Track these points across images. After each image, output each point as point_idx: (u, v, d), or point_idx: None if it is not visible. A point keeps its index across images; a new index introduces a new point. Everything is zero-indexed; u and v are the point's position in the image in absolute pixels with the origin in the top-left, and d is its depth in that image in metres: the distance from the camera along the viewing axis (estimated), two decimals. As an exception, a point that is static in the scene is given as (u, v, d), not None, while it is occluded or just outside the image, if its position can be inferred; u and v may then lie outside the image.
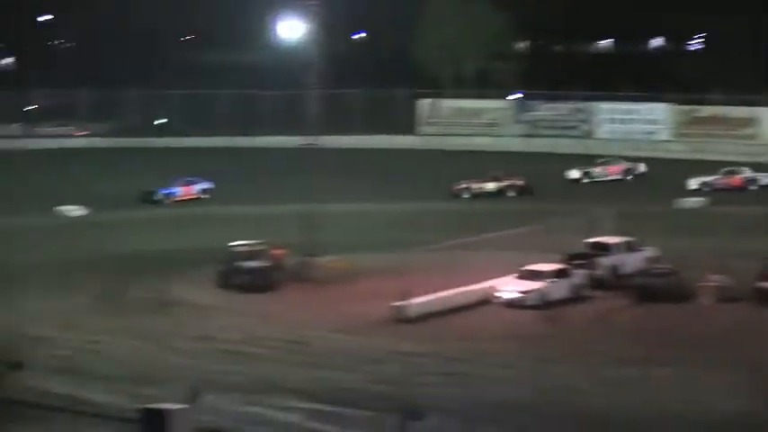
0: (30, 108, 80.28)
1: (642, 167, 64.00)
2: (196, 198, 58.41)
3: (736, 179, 59.72)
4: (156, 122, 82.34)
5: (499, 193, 58.71)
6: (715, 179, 59.41)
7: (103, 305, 37.74)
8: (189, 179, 59.32)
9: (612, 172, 63.83)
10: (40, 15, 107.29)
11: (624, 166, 64.34)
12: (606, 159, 65.30)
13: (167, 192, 58.30)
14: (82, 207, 54.92)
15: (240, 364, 30.88)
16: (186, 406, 16.04)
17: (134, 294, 39.16)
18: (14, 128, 79.54)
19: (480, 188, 58.93)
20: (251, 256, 40.66)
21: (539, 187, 58.83)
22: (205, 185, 59.18)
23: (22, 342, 30.41)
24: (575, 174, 63.53)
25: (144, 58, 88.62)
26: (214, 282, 40.31)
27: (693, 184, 59.12)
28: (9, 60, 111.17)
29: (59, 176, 64.56)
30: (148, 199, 57.52)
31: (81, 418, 18.59)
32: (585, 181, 62.89)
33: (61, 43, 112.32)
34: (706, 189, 58.48)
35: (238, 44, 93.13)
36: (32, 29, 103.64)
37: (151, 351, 32.30)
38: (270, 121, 76.91)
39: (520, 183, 59.32)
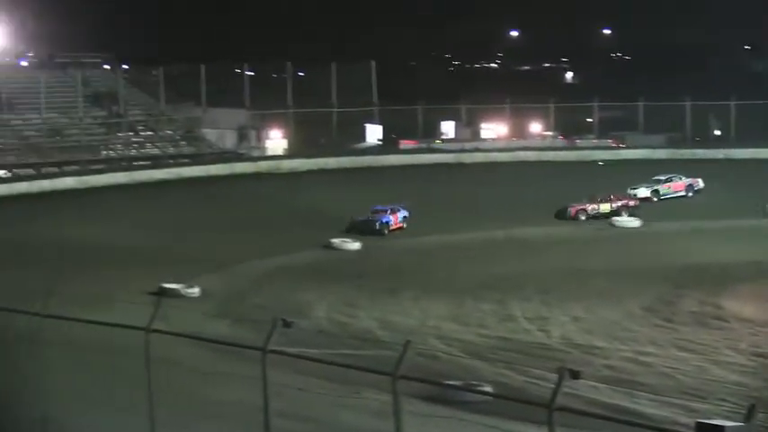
0: (589, 120, 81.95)
1: (701, 183, 62.37)
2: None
3: None
4: (712, 132, 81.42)
5: None
6: None
7: (654, 316, 37.88)
8: None
9: (677, 188, 62.23)
10: (600, 29, 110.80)
11: (687, 182, 62.62)
12: (668, 177, 62.78)
13: None
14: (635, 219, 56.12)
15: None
16: (743, 424, 15.62)
17: (685, 306, 38.98)
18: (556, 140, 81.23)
19: None
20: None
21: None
22: None
23: (577, 352, 31.35)
24: (643, 192, 60.97)
25: (696, 69, 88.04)
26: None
27: None
28: (570, 74, 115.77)
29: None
30: None
31: (630, 429, 18.74)
32: (655, 199, 60.99)
33: (619, 57, 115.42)
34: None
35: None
36: (593, 43, 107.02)
37: (700, 365, 31.94)
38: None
39: None
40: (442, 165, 69.92)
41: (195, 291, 39.97)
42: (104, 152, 70.07)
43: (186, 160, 69.40)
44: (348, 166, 69.44)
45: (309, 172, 67.39)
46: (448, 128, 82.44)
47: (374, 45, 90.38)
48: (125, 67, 77.73)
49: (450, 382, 23.88)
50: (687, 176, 62.97)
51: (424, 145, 75.85)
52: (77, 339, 29.02)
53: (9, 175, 64.55)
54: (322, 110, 73.05)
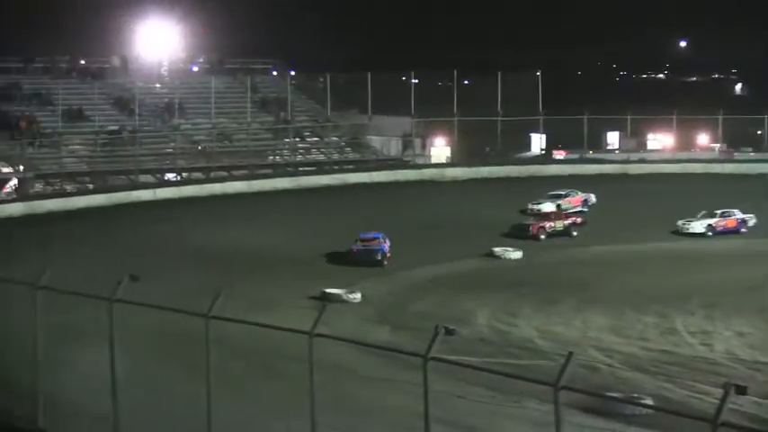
0: (759, 132, 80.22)
1: (593, 198, 59.20)
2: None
3: None
4: None
5: None
6: None
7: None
8: None
9: (575, 203, 58.54)
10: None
11: (583, 196, 58.94)
12: (567, 191, 59.08)
13: None
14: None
15: None
16: None
17: None
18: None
19: None
20: None
21: None
22: None
23: (741, 367, 30.83)
24: (548, 207, 57.03)
25: None
26: None
27: None
28: (739, 86, 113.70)
29: None
30: None
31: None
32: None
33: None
34: None
35: None
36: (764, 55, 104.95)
37: None
38: None
39: None
40: (606, 175, 69.27)
41: (357, 296, 40.45)
42: (271, 157, 71.39)
43: (351, 167, 70.19)
44: (511, 174, 69.35)
45: (472, 180, 67.50)
46: (613, 138, 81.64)
47: (540, 54, 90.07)
48: (292, 73, 79.09)
49: (612, 394, 23.71)
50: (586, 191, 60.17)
51: (576, 155, 75.30)
52: (237, 340, 29.74)
53: (179, 178, 66.27)
54: (486, 118, 73.12)
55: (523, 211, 56.67)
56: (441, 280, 44.66)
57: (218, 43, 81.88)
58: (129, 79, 71.10)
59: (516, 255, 49.60)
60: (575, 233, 53.63)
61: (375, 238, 47.28)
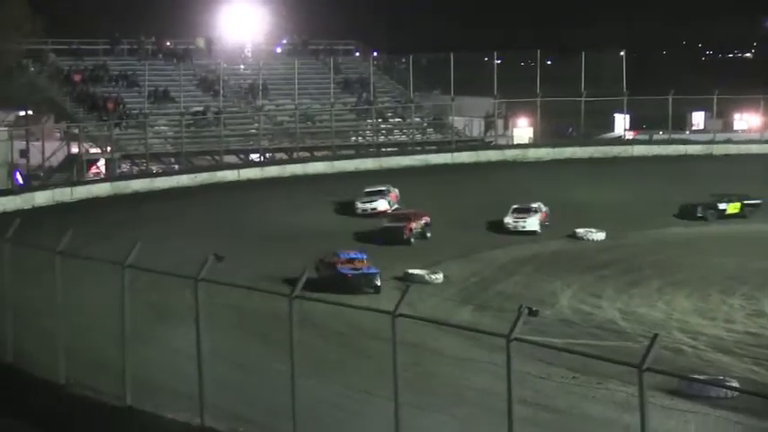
0: None
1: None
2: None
3: None
4: None
5: None
6: None
7: None
8: None
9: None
10: None
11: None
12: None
13: None
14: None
15: None
16: None
17: None
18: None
19: None
20: None
21: None
22: None
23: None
24: (383, 205, 52.57)
25: None
26: None
27: None
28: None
29: None
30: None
31: None
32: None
33: None
34: None
35: None
36: None
37: None
38: None
39: None
40: (690, 156, 68.47)
41: (439, 277, 40.49)
42: (353, 138, 71.54)
43: (433, 147, 70.09)
44: (595, 155, 68.83)
45: (555, 161, 67.12)
46: (698, 118, 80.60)
47: (624, 34, 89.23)
48: (375, 54, 79.10)
49: (696, 377, 23.53)
50: None
51: (646, 136, 74.49)
52: (320, 320, 29.99)
53: (262, 159, 66.69)
54: (570, 99, 72.59)
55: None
56: (523, 261, 44.61)
57: (302, 25, 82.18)
58: (213, 60, 71.63)
59: (599, 236, 49.32)
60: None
61: (357, 259, 40.42)
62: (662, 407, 21.14)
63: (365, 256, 40.56)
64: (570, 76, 73.72)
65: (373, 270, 39.53)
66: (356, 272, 39.20)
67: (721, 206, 54.28)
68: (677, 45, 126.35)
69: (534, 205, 51.09)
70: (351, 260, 39.95)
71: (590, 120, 73.71)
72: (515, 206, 50.78)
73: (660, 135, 74.28)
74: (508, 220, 49.85)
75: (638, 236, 49.92)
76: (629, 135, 75.31)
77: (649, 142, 72.38)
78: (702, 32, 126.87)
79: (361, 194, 53.56)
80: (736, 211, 53.96)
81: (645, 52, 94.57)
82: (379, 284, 38.95)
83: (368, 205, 52.75)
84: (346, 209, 52.67)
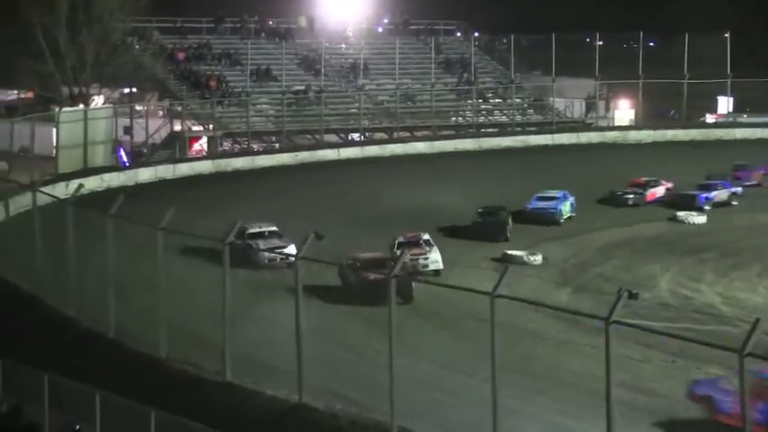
0: None
1: None
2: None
3: None
4: None
5: None
6: None
7: None
8: None
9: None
10: None
11: None
12: None
13: None
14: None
15: None
16: None
17: None
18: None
19: None
20: None
21: None
22: None
23: None
24: None
25: None
26: None
27: None
28: None
29: None
30: None
31: None
32: None
33: None
34: None
35: None
36: None
37: None
38: None
39: None
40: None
41: (538, 258, 40.35)
42: (453, 118, 71.45)
43: (533, 129, 69.76)
44: (697, 138, 67.95)
45: (656, 143, 66.40)
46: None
47: (730, 16, 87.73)
48: (476, 34, 78.82)
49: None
50: None
51: (730, 119, 73.39)
52: (418, 299, 30.09)
53: (362, 138, 66.91)
54: (672, 81, 71.73)
55: None
56: (623, 243, 44.21)
57: (404, 4, 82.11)
58: (315, 39, 71.94)
59: (700, 219, 48.72)
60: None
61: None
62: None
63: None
64: (674, 58, 72.84)
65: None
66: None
67: None
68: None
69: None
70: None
71: (693, 102, 72.80)
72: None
73: (744, 118, 73.18)
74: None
75: (739, 219, 49.23)
76: (711, 119, 74.26)
77: (741, 125, 71.10)
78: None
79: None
80: None
81: (750, 34, 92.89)
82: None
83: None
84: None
